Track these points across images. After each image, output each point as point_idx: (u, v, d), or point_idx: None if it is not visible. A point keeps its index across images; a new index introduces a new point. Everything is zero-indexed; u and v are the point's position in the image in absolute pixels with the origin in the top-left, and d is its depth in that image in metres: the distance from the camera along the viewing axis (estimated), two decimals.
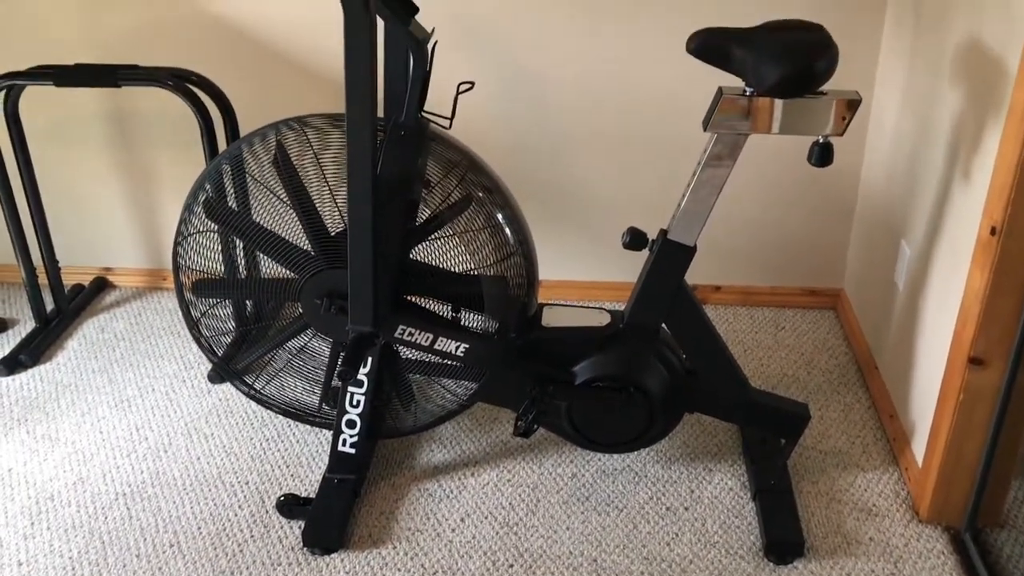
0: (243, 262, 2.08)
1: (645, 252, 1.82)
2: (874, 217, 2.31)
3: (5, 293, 2.78)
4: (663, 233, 1.77)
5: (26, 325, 2.60)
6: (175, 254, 1.93)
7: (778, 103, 1.59)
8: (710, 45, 1.58)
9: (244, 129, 2.32)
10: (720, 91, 1.62)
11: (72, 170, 2.63)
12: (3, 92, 2.27)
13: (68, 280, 2.73)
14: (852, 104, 1.58)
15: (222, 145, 2.27)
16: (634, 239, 1.79)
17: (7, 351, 2.46)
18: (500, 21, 2.30)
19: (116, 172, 2.62)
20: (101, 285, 2.79)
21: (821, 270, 2.58)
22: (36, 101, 2.50)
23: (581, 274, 2.65)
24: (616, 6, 2.25)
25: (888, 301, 2.17)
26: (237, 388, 2.06)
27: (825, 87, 1.60)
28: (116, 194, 2.65)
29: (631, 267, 2.59)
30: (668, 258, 1.77)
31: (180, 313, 1.99)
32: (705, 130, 1.64)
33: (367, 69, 1.53)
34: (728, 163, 1.68)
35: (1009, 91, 1.56)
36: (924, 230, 1.95)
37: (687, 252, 1.76)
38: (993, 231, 1.59)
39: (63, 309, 2.61)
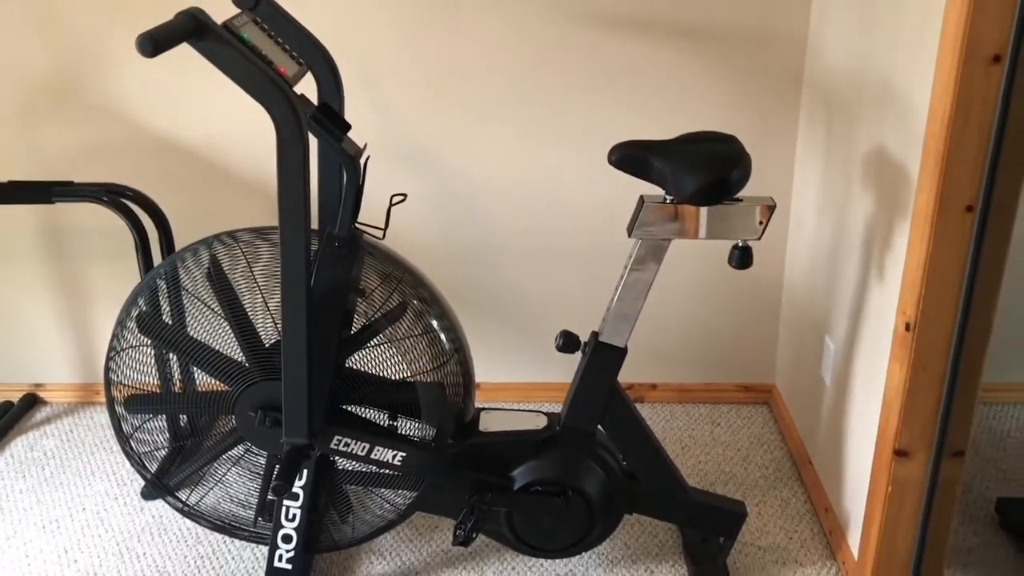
0: (177, 376, 2.07)
1: (579, 355, 1.85)
2: (799, 315, 2.39)
3: None
4: (595, 335, 1.81)
5: None
6: (107, 369, 1.91)
7: (696, 210, 1.66)
8: (630, 157, 1.65)
9: (180, 243, 2.33)
10: (642, 199, 1.69)
11: (3, 285, 2.60)
12: None
13: None
14: (767, 209, 1.66)
15: (157, 259, 2.27)
16: (567, 342, 1.83)
17: None
18: (431, 133, 2.37)
19: (49, 286, 2.59)
20: (31, 402, 2.72)
21: (753, 366, 2.64)
22: None
23: (519, 376, 2.67)
24: (544, 117, 2.34)
25: (817, 396, 2.22)
26: (170, 505, 2.02)
27: (743, 194, 1.68)
28: (48, 308, 2.62)
29: (568, 368, 2.62)
30: (600, 360, 1.81)
31: (112, 429, 1.95)
32: (630, 236, 1.70)
33: (300, 185, 1.56)
34: (653, 267, 1.73)
35: (912, 196, 1.65)
36: (846, 327, 2.02)
37: (619, 353, 1.80)
38: (908, 327, 1.66)
39: None
